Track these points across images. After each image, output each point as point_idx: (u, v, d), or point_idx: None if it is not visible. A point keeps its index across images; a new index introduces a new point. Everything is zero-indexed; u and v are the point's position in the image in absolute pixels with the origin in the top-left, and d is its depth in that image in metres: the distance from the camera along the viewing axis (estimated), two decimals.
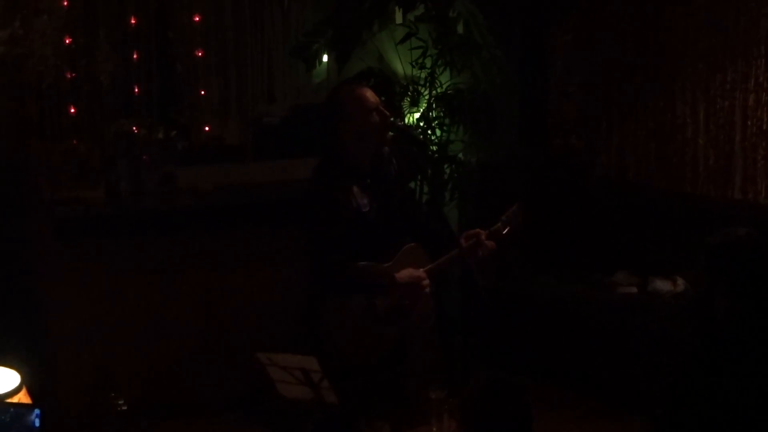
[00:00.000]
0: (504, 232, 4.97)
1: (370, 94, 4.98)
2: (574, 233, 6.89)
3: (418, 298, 4.87)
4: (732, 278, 3.62)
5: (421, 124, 6.68)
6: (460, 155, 6.86)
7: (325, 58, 6.84)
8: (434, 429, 4.42)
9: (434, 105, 6.68)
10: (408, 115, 6.74)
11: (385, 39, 6.86)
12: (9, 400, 3.42)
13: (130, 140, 6.46)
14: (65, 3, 6.29)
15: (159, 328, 6.08)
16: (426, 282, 4.86)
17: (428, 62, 6.64)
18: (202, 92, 6.94)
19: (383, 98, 5.14)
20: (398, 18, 6.94)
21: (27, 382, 3.65)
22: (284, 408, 4.56)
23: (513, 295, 6.57)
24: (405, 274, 4.86)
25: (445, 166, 6.75)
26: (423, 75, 6.71)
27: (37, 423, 3.13)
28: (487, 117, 6.69)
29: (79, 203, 6.00)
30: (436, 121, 6.71)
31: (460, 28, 6.60)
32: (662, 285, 6.24)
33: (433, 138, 6.72)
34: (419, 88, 6.74)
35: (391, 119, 5.04)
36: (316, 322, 4.92)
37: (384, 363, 4.93)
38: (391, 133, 5.05)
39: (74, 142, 6.36)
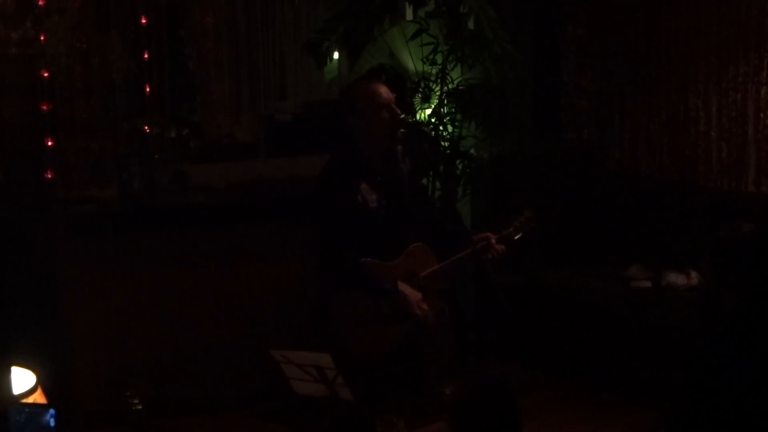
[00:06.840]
0: (516, 238, 4.98)
1: (383, 90, 4.94)
2: (588, 227, 6.88)
3: (414, 314, 4.86)
4: (739, 273, 3.61)
5: (433, 120, 6.68)
6: (472, 151, 6.86)
7: (336, 55, 6.83)
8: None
9: (446, 101, 6.67)
10: (419, 111, 6.73)
11: (396, 35, 6.87)
12: (24, 400, 3.43)
13: (142, 139, 6.48)
14: (77, 3, 6.30)
15: (173, 325, 6.10)
16: (421, 309, 4.85)
17: (439, 58, 6.63)
18: (214, 90, 6.94)
19: (395, 95, 5.11)
20: (409, 14, 6.91)
21: (42, 382, 3.66)
22: (299, 405, 4.57)
23: (527, 289, 6.56)
24: (407, 290, 4.85)
25: (458, 161, 6.75)
26: (434, 71, 6.71)
27: (52, 423, 3.14)
28: (499, 112, 6.69)
29: (92, 201, 6.04)
30: (448, 117, 6.70)
31: (471, 24, 6.59)
32: (676, 278, 6.23)
33: (444, 134, 6.71)
34: (430, 84, 6.74)
35: (402, 116, 5.00)
36: (325, 318, 4.93)
37: (397, 359, 4.92)
38: (402, 131, 5.01)
39: (87, 140, 6.37)
